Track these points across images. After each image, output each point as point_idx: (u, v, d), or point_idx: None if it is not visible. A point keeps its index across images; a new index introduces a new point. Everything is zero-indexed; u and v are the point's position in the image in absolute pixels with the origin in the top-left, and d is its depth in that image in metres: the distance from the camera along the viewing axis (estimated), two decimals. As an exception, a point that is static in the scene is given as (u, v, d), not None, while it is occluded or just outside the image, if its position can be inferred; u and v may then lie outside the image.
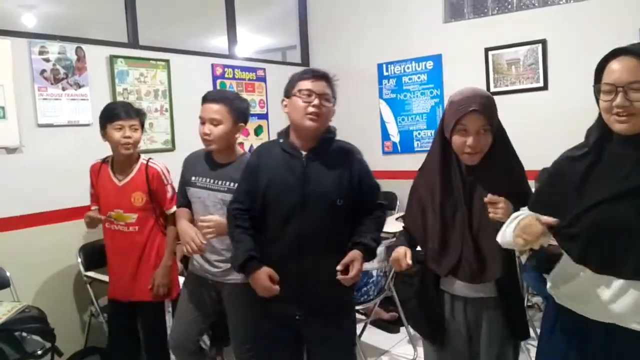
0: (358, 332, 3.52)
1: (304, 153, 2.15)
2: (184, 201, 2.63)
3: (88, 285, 3.35)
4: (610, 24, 4.06)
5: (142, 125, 2.85)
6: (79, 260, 3.41)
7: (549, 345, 1.73)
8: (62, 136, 3.46)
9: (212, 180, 2.53)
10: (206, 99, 2.51)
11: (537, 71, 4.40)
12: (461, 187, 1.94)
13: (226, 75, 4.67)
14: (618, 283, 1.47)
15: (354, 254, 2.10)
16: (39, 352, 2.77)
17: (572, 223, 1.52)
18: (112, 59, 3.78)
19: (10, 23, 3.45)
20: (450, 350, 2.04)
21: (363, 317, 3.66)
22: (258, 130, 4.97)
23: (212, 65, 4.56)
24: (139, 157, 2.87)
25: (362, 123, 5.16)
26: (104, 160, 2.91)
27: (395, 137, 5.19)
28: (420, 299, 2.14)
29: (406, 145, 5.11)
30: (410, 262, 1.94)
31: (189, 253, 2.48)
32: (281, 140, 2.21)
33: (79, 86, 3.58)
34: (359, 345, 3.42)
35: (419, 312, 2.15)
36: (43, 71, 3.40)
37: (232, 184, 2.47)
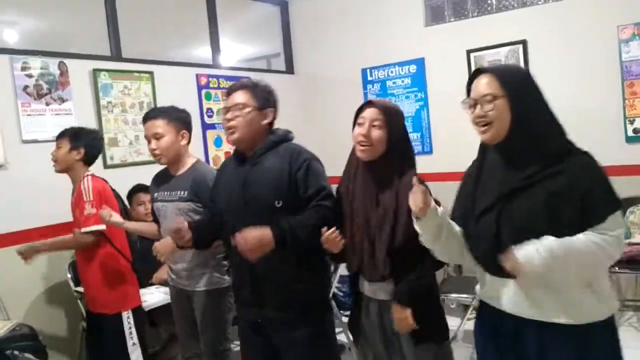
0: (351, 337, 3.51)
1: (247, 160, 2.23)
2: (154, 217, 2.79)
3: (79, 301, 3.32)
4: (589, 23, 4.12)
5: (76, 145, 2.88)
6: (69, 275, 3.39)
7: (477, 340, 1.86)
8: (47, 151, 3.39)
9: (168, 192, 2.67)
10: (145, 118, 2.66)
11: (519, 71, 4.44)
12: (369, 185, 2.03)
13: (211, 85, 4.68)
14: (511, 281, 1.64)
15: (263, 229, 2.03)
16: (32, 370, 2.75)
17: (467, 227, 1.73)
18: (95, 72, 3.77)
19: (-8, 40, 3.44)
20: (369, 350, 2.11)
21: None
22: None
23: (197, 75, 4.56)
24: (82, 174, 2.92)
25: (347, 128, 5.12)
26: None
27: (381, 141, 5.21)
28: (353, 301, 2.21)
29: (393, 148, 5.13)
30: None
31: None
32: (233, 151, 2.33)
33: (63, 101, 3.57)
34: (353, 351, 3.43)
35: (350, 312, 2.23)
36: (26, 87, 3.39)
37: (183, 192, 2.61)
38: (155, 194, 2.72)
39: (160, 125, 2.57)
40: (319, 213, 2.09)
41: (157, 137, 2.57)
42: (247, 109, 2.18)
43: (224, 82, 4.78)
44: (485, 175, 1.70)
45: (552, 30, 4.28)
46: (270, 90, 2.32)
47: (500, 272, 1.60)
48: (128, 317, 2.87)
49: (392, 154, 2.00)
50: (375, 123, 1.97)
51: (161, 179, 2.73)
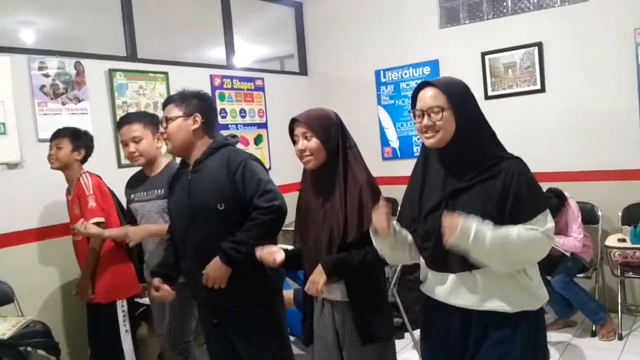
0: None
1: (190, 168, 2.31)
2: (131, 218, 2.91)
3: (92, 299, 3.35)
4: (605, 26, 4.08)
5: (77, 146, 3.00)
6: (82, 273, 3.42)
7: (428, 332, 1.96)
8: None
9: (144, 193, 2.82)
10: (120, 124, 2.83)
11: (533, 74, 4.41)
12: (313, 194, 2.12)
13: (225, 86, 4.70)
14: (451, 276, 1.80)
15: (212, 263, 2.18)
16: (45, 367, 2.78)
17: (415, 228, 1.86)
18: (111, 72, 3.80)
19: (9, 39, 3.47)
20: (324, 351, 2.13)
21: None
22: (258, 140, 4.99)
23: (211, 76, 4.59)
24: (78, 172, 3.02)
25: (361, 130, 5.12)
26: None
27: (394, 143, 5.21)
28: (304, 302, 2.24)
29: (406, 150, 5.13)
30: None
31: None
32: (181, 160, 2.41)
33: (79, 100, 3.60)
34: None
35: (302, 314, 2.25)
36: (42, 86, 3.42)
37: (160, 190, 2.75)
38: (132, 196, 2.87)
39: (137, 129, 2.77)
40: (258, 227, 2.18)
41: (136, 140, 2.75)
42: (174, 121, 2.28)
43: (237, 82, 4.80)
44: (429, 178, 1.86)
45: (568, 33, 4.24)
46: (190, 96, 2.38)
47: (445, 268, 1.79)
48: (122, 306, 2.99)
49: (332, 160, 2.07)
50: (306, 135, 2.06)
51: (136, 181, 2.90)
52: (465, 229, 1.62)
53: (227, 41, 4.92)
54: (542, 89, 4.37)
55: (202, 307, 2.42)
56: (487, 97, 4.61)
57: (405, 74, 5.08)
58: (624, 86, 4.03)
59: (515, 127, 4.33)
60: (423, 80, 1.88)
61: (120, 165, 3.78)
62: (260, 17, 5.53)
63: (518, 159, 1.79)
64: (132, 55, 4.05)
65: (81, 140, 3.03)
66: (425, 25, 4.93)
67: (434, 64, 4.91)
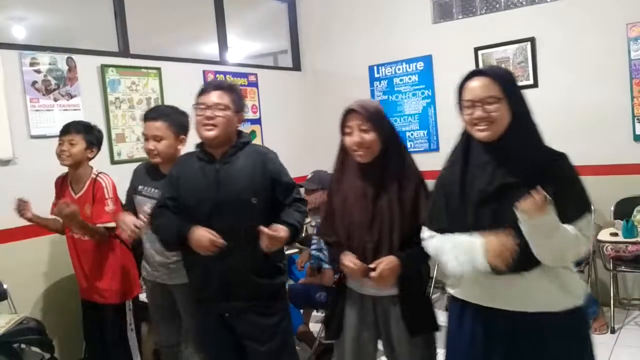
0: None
1: (217, 159, 2.28)
2: (131, 207, 2.78)
3: (86, 295, 3.35)
4: (598, 20, 4.10)
5: (90, 142, 2.94)
6: (76, 270, 3.41)
7: (458, 338, 1.88)
8: (55, 147, 3.44)
9: (155, 190, 2.69)
10: (146, 117, 2.70)
11: (526, 69, 4.43)
12: (365, 187, 2.06)
13: (218, 82, 4.68)
14: (496, 277, 1.70)
15: (278, 225, 2.17)
16: (39, 364, 2.78)
17: (453, 224, 1.78)
18: (104, 68, 3.79)
19: (0, 35, 3.45)
20: (360, 348, 2.13)
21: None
22: (251, 136, 4.98)
23: (204, 71, 4.57)
24: (91, 171, 2.99)
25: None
26: (65, 175, 3.06)
27: (388, 139, 5.21)
28: (336, 299, 2.24)
29: (399, 146, 5.13)
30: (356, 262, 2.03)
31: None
32: (198, 150, 2.35)
33: (71, 96, 3.59)
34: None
35: (333, 311, 2.24)
36: (34, 82, 3.40)
37: None
38: (140, 187, 2.75)
39: (160, 128, 2.62)
40: (300, 208, 2.30)
41: (157, 139, 2.63)
42: (228, 111, 2.25)
43: (230, 78, 4.79)
44: (471, 171, 1.76)
45: (561, 28, 4.25)
46: (242, 95, 2.41)
47: (500, 270, 1.66)
48: (129, 305, 3.00)
49: (387, 153, 2.05)
50: (362, 127, 2.02)
51: (149, 175, 2.77)
52: (548, 208, 1.55)
53: (220, 36, 4.90)
54: (535, 84, 4.38)
55: (209, 302, 2.33)
56: (480, 93, 4.61)
57: (399, 69, 5.09)
58: (617, 81, 4.04)
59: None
60: (471, 70, 1.80)
61: (112, 162, 3.77)
62: (254, 13, 5.51)
63: (565, 155, 1.72)
64: (124, 51, 4.03)
65: (94, 137, 2.97)
66: (418, 21, 4.93)
67: (427, 59, 4.91)
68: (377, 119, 2.05)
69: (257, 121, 5.04)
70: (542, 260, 1.64)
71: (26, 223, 3.26)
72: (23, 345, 2.80)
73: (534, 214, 1.55)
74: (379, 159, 2.05)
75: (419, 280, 2.14)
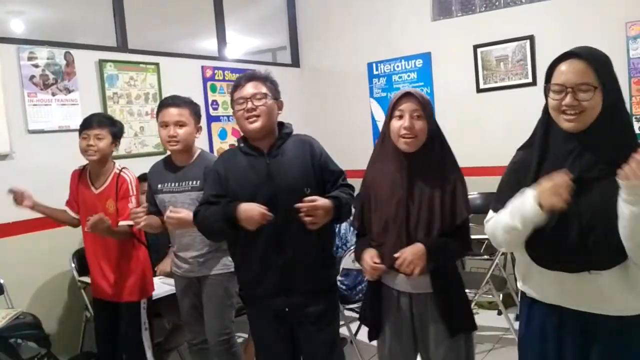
0: (353, 330, 3.53)
1: (265, 152, 2.24)
2: (154, 209, 2.74)
3: (82, 291, 3.35)
4: (597, 19, 4.10)
5: (115, 136, 2.89)
6: (73, 265, 3.40)
7: (528, 336, 1.79)
8: (53, 142, 3.45)
9: (176, 184, 2.68)
10: (167, 104, 2.67)
11: (525, 67, 4.42)
12: (405, 178, 2.00)
13: (216, 77, 4.67)
14: (569, 276, 1.59)
15: (316, 197, 2.12)
16: (35, 359, 2.77)
17: None
18: (102, 63, 3.77)
19: (-2, 29, 3.45)
20: (396, 346, 2.08)
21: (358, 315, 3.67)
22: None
23: (202, 67, 4.56)
24: (113, 166, 2.94)
25: (353, 122, 5.18)
26: (83, 168, 3.00)
27: (386, 136, 5.21)
28: (367, 294, 2.21)
29: (397, 143, 5.13)
30: (375, 262, 1.99)
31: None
32: (242, 145, 2.30)
33: (69, 91, 3.58)
34: (355, 344, 3.44)
35: (368, 307, 2.20)
36: (32, 77, 3.39)
37: (195, 182, 2.64)
38: (159, 186, 2.72)
39: (184, 114, 2.64)
40: (348, 193, 2.26)
41: (179, 124, 2.61)
42: (269, 100, 2.22)
43: (229, 74, 4.78)
44: (550, 158, 1.62)
45: (560, 26, 4.25)
46: (276, 82, 2.37)
47: (559, 264, 1.58)
48: (144, 304, 2.97)
49: (432, 144, 2.01)
50: (416, 114, 1.96)
51: (165, 171, 2.74)
52: None
53: (219, 32, 4.89)
54: (534, 82, 4.38)
55: (266, 298, 2.26)
56: (478, 90, 4.62)
57: (398, 66, 5.08)
58: (615, 80, 4.04)
59: (507, 120, 4.35)
60: (566, 51, 1.62)
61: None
62: (253, 9, 5.50)
63: None
64: (122, 46, 4.02)
65: (118, 130, 2.92)
66: (417, 18, 4.93)
67: (426, 57, 4.90)
68: (429, 109, 2.00)
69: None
70: (636, 255, 1.49)
71: (22, 218, 3.26)
72: (19, 340, 2.79)
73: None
74: (422, 150, 1.99)
75: (457, 277, 2.09)
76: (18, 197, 2.89)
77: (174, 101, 2.68)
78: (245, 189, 2.20)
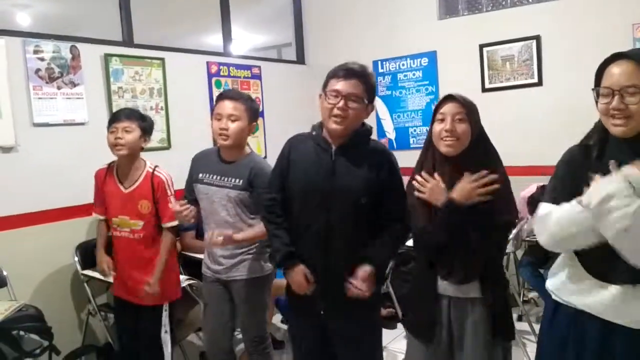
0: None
1: (334, 147, 2.15)
2: (191, 197, 2.69)
3: (85, 284, 3.35)
4: (604, 20, 4.08)
5: (144, 130, 2.83)
6: (76, 258, 3.41)
7: (548, 338, 1.77)
8: (58, 135, 3.45)
9: (218, 177, 2.61)
10: (224, 96, 2.62)
11: (531, 67, 4.41)
12: (448, 182, 1.96)
13: (221, 73, 4.67)
14: (613, 286, 1.54)
15: (365, 272, 2.07)
16: (37, 351, 2.78)
17: None
18: (107, 57, 3.78)
19: (5, 22, 3.45)
20: (432, 350, 2.04)
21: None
22: (254, 128, 4.96)
23: (207, 63, 4.56)
24: (145, 164, 2.87)
25: (357, 120, 5.17)
26: (110, 166, 2.94)
27: (391, 134, 5.20)
28: (415, 296, 2.13)
29: (402, 142, 5.12)
30: None
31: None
32: (314, 133, 2.23)
33: (74, 85, 3.58)
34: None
35: (413, 309, 2.14)
36: (38, 70, 3.40)
37: (238, 180, 2.57)
38: (200, 175, 2.67)
39: (238, 108, 2.57)
40: (399, 233, 2.14)
41: (232, 118, 2.56)
42: (361, 104, 2.11)
43: (234, 70, 4.77)
44: (603, 171, 1.53)
45: (567, 27, 4.24)
46: (374, 83, 2.21)
47: (608, 276, 1.54)
48: (166, 308, 2.90)
49: (476, 147, 1.97)
50: (458, 117, 1.94)
51: (211, 162, 2.69)
52: None
53: (225, 28, 4.89)
54: (540, 83, 4.37)
55: (306, 299, 2.20)
56: (484, 90, 4.61)
57: (403, 64, 5.07)
58: (621, 81, 4.03)
59: (512, 120, 4.34)
60: (615, 52, 1.55)
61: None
62: (258, 5, 5.50)
63: None
64: (128, 41, 4.02)
65: (148, 125, 2.84)
66: (423, 16, 4.92)
67: (432, 55, 4.89)
68: (473, 112, 1.97)
69: (260, 114, 5.02)
70: None
71: (26, 210, 3.27)
72: (22, 332, 2.80)
73: None
74: (465, 153, 1.95)
75: (502, 284, 2.04)
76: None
77: (232, 95, 2.64)
78: (306, 176, 2.16)
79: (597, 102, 1.57)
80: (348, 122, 2.09)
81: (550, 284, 1.77)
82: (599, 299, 1.57)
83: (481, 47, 4.61)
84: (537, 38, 4.36)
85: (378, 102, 5.22)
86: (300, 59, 5.64)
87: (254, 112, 2.64)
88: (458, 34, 4.74)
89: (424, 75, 4.96)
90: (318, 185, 2.12)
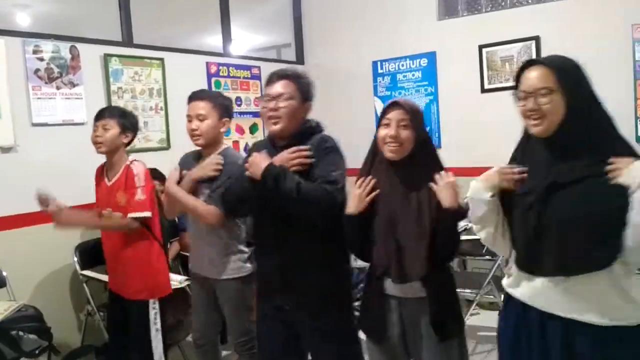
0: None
1: (279, 147, 2.23)
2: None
3: (84, 284, 3.35)
4: (603, 21, 4.09)
5: (124, 127, 2.84)
6: (75, 259, 3.41)
7: (504, 328, 1.85)
8: (57, 135, 3.45)
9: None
10: (192, 97, 2.68)
11: (530, 68, 4.41)
12: (396, 185, 2.01)
13: (221, 74, 4.67)
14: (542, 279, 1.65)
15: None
16: (36, 352, 2.78)
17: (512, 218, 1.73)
18: (107, 57, 3.78)
19: (4, 22, 3.44)
20: (387, 350, 2.07)
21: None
22: (253, 129, 4.97)
23: (207, 63, 4.56)
24: (126, 158, 2.89)
25: (357, 120, 5.16)
26: (104, 162, 2.96)
27: (390, 135, 5.20)
28: (365, 295, 2.18)
29: (401, 142, 5.12)
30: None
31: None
32: (265, 137, 2.34)
33: (73, 85, 3.58)
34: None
35: (363, 307, 2.19)
36: (37, 70, 3.40)
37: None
38: (184, 172, 2.71)
39: (205, 107, 2.62)
40: (316, 189, 2.09)
41: (201, 118, 2.61)
42: (293, 101, 2.19)
43: (234, 70, 4.78)
44: (527, 161, 1.70)
45: (566, 27, 4.24)
46: (311, 82, 2.31)
47: (533, 267, 1.65)
48: (154, 304, 2.87)
49: (420, 153, 2.01)
50: (402, 123, 1.98)
51: (190, 162, 2.75)
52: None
53: (224, 29, 4.89)
54: (539, 83, 4.37)
55: (269, 294, 2.29)
56: (483, 91, 4.61)
57: (402, 65, 5.07)
58: (620, 82, 4.03)
59: (512, 121, 4.30)
60: (529, 58, 1.71)
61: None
62: (258, 5, 5.50)
63: (636, 154, 1.58)
64: (128, 41, 4.02)
65: (128, 121, 2.87)
66: (423, 17, 4.92)
67: (431, 56, 4.90)
68: (418, 119, 2.02)
69: (259, 114, 5.02)
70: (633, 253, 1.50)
71: (25, 210, 3.27)
72: (21, 333, 2.80)
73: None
74: (408, 159, 2.00)
75: (450, 282, 2.08)
76: (43, 202, 2.78)
77: (198, 94, 2.69)
78: (254, 179, 2.19)
79: (517, 105, 1.69)
80: (284, 121, 2.18)
81: (505, 280, 1.87)
82: (526, 289, 1.70)
83: (480, 47, 4.61)
84: (537, 39, 4.36)
85: (377, 102, 5.23)
86: (300, 60, 5.64)
87: (223, 108, 2.67)
88: (457, 34, 4.74)
89: (424, 76, 4.96)
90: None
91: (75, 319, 3.51)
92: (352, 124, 5.16)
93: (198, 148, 2.74)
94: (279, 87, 2.20)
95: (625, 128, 4.43)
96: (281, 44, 5.79)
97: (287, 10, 5.64)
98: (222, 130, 2.69)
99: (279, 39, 5.80)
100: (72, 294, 3.49)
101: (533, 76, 1.62)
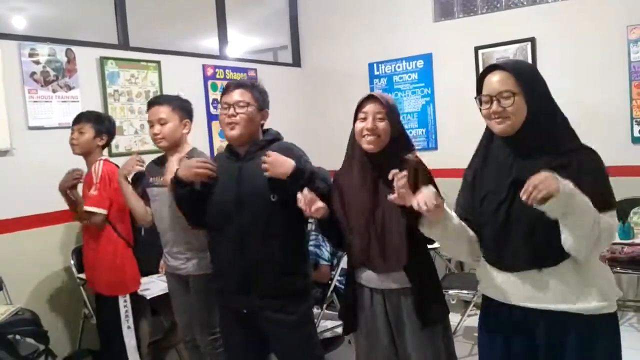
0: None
1: (241, 156, 2.30)
2: (147, 202, 2.82)
3: (81, 288, 3.35)
4: (598, 22, 4.10)
5: (99, 131, 3.00)
6: (72, 262, 3.41)
7: (482, 335, 1.91)
8: (53, 138, 3.44)
9: (160, 178, 2.71)
10: (151, 103, 2.76)
11: (526, 69, 4.43)
12: (369, 178, 2.05)
13: (217, 76, 4.67)
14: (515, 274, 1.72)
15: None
16: (33, 355, 2.77)
17: (476, 218, 1.79)
18: (103, 60, 3.77)
19: (0, 25, 3.44)
20: (374, 342, 2.11)
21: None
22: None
23: (203, 66, 4.56)
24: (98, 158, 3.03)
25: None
26: None
27: (386, 136, 5.21)
28: (345, 290, 2.24)
29: (398, 144, 5.13)
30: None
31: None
32: (225, 148, 2.39)
33: (70, 88, 3.58)
34: (353, 343, 3.44)
35: (344, 302, 2.25)
36: (33, 73, 3.39)
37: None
38: (151, 179, 2.79)
39: (164, 111, 2.68)
40: (324, 173, 2.21)
41: (161, 122, 2.67)
42: (250, 108, 2.27)
43: (230, 73, 4.78)
44: (491, 162, 1.77)
45: (561, 29, 4.26)
46: (265, 91, 2.41)
47: (506, 264, 1.70)
48: (125, 301, 2.97)
49: (395, 144, 2.05)
50: (379, 116, 2.02)
51: (157, 165, 2.81)
52: (563, 188, 1.46)
53: (221, 31, 4.89)
54: (535, 85, 4.38)
55: (228, 294, 2.33)
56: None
57: (399, 67, 5.08)
58: (616, 83, 4.05)
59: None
60: (490, 64, 1.79)
61: (110, 154, 3.74)
62: (254, 8, 5.51)
63: (591, 150, 1.70)
64: (124, 44, 4.02)
65: (104, 126, 3.02)
66: (419, 19, 4.93)
67: (427, 58, 4.91)
68: (393, 111, 2.07)
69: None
70: (577, 251, 1.58)
71: (22, 214, 3.27)
72: (18, 337, 2.80)
73: (547, 186, 1.45)
74: (386, 151, 2.04)
75: (430, 271, 2.12)
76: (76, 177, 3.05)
77: (156, 99, 2.78)
78: (218, 189, 2.28)
79: (480, 109, 1.76)
80: (241, 127, 2.25)
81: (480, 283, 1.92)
82: (491, 284, 1.78)
83: (476, 49, 4.62)
84: (532, 40, 4.38)
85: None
86: (296, 62, 5.65)
87: (183, 111, 2.74)
88: (453, 36, 4.75)
89: (420, 78, 4.97)
90: (227, 194, 2.25)
91: (72, 322, 3.50)
92: (349, 126, 5.17)
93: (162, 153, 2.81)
94: (236, 95, 2.27)
95: (620, 129, 4.48)
96: (278, 46, 5.80)
97: (284, 13, 5.65)
98: (184, 131, 2.75)
99: (275, 41, 5.81)
100: (68, 298, 3.49)
101: (495, 80, 1.70)
